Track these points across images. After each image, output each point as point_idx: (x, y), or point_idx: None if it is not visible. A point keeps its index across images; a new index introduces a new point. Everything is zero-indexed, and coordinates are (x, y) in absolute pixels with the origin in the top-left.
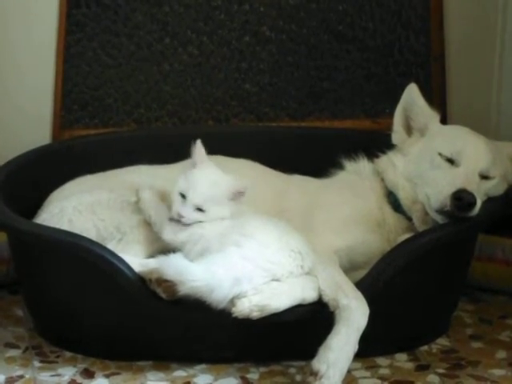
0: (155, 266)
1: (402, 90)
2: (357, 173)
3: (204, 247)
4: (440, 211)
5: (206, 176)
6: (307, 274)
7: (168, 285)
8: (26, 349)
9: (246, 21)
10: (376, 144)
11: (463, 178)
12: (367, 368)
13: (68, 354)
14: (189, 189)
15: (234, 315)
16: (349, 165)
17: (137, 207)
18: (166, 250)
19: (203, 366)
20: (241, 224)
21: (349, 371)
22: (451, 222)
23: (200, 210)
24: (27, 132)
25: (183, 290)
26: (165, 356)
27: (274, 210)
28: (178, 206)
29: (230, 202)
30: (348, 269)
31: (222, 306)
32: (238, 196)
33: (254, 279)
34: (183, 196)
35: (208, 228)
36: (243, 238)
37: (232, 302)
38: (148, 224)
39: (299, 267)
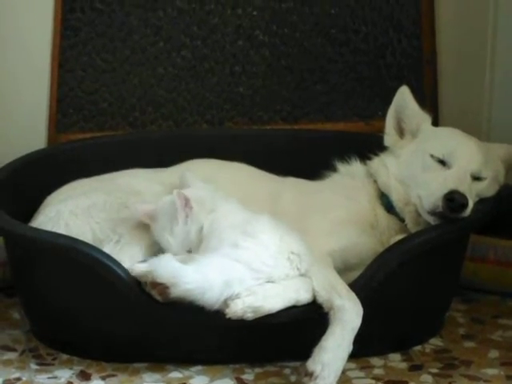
0: (149, 269)
1: (394, 93)
2: (350, 175)
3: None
4: (432, 212)
5: None
6: (302, 275)
7: (161, 287)
8: (23, 351)
9: (239, 25)
10: (369, 146)
11: (455, 179)
12: (361, 368)
13: (64, 357)
14: None
15: (227, 316)
16: (342, 167)
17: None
18: (162, 251)
19: (199, 367)
20: (245, 222)
21: (343, 371)
22: (443, 223)
23: None
24: (23, 136)
25: (176, 292)
26: (161, 358)
27: (268, 213)
28: None
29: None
30: (342, 270)
31: (214, 308)
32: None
33: (245, 282)
34: None
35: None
36: (243, 238)
37: (226, 303)
38: (144, 226)
39: (296, 269)
